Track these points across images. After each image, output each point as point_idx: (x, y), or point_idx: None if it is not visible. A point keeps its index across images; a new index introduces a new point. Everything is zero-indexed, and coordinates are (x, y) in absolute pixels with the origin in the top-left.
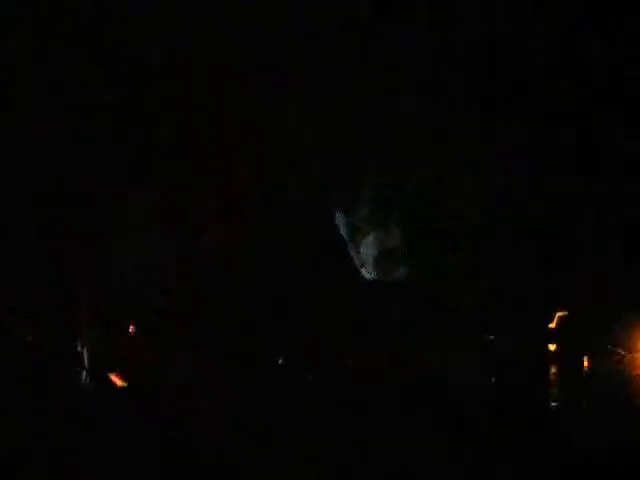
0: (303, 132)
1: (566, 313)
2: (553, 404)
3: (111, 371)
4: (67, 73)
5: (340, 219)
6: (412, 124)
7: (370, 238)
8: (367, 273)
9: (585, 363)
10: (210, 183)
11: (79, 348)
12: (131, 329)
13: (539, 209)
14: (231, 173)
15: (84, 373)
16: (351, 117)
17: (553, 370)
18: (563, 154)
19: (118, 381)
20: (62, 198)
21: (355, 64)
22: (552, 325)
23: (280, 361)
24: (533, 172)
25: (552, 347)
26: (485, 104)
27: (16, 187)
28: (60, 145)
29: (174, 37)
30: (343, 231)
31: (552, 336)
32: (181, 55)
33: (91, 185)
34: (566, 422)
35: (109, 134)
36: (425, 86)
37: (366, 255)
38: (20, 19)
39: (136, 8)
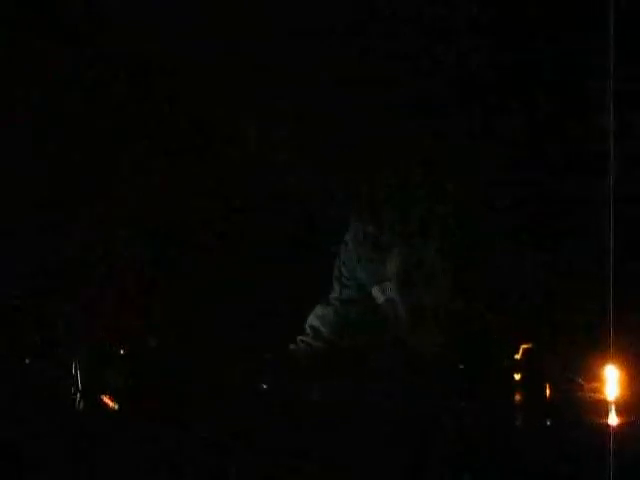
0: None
1: (530, 345)
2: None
3: (104, 393)
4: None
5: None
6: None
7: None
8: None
9: (547, 391)
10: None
11: (74, 371)
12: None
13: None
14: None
15: (78, 396)
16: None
17: (518, 397)
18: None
19: (110, 403)
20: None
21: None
22: (518, 356)
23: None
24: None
25: (517, 376)
26: (483, 102)
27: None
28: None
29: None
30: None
31: (517, 366)
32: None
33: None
34: (528, 440)
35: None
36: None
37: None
38: (19, 18)
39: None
